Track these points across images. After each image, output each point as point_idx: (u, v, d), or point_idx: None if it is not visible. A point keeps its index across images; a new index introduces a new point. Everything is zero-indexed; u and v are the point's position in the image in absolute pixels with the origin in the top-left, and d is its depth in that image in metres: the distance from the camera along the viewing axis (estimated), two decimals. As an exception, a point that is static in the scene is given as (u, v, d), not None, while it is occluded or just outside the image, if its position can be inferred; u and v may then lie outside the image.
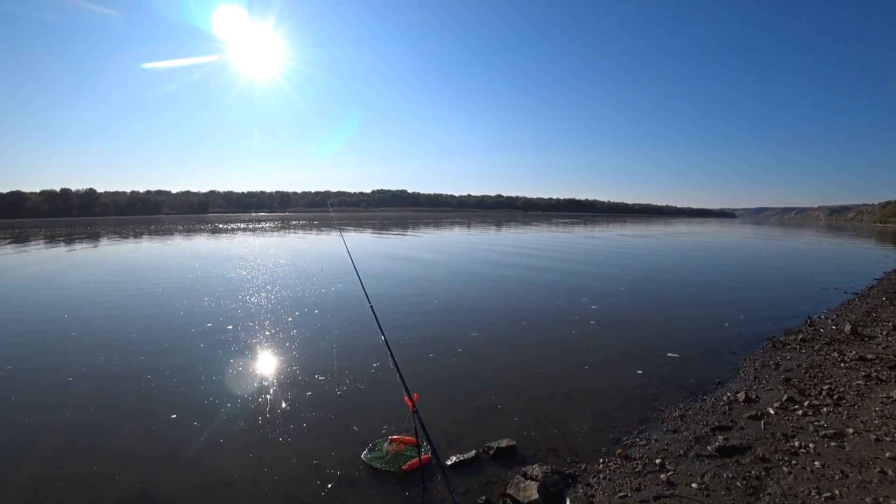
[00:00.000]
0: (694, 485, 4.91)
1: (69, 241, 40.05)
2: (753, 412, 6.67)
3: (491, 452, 5.48)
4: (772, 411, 6.72)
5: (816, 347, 9.74)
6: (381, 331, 5.61)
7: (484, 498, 4.73)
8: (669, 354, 9.40)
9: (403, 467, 5.21)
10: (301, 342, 10.04)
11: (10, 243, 36.73)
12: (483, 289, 16.77)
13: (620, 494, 4.78)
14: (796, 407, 6.78)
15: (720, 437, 5.96)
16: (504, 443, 5.55)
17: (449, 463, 5.34)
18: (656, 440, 5.97)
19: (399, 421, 6.09)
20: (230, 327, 11.26)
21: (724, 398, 7.30)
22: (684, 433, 6.15)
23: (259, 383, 7.76)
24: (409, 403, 4.51)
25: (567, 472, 5.14)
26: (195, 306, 13.55)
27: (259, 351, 9.42)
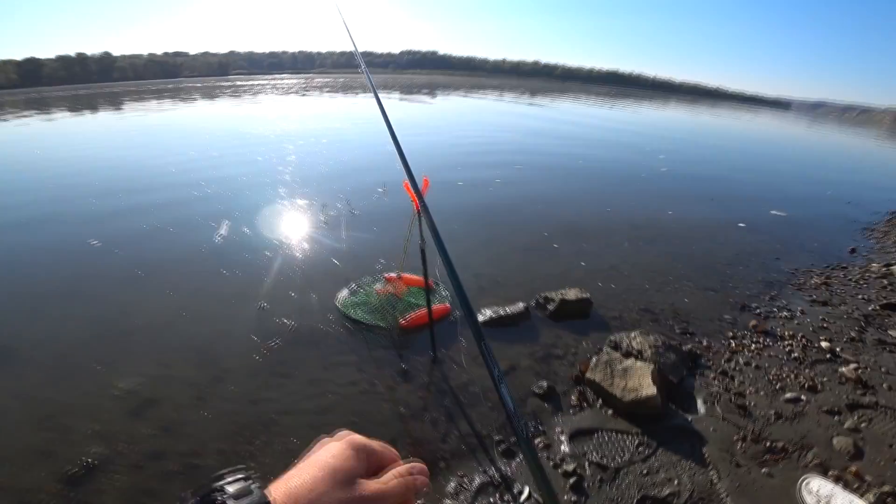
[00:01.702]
0: (904, 388, 2.74)
1: (93, 107, 37.11)
2: (930, 291, 4.36)
3: (550, 307, 3.31)
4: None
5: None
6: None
7: (544, 384, 2.61)
8: (773, 212, 6.96)
9: (402, 321, 3.09)
10: (299, 166, 7.77)
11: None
12: (524, 140, 13.95)
13: (788, 396, 2.63)
14: None
15: (901, 319, 3.72)
16: (572, 294, 3.36)
17: (480, 319, 3.21)
18: (803, 313, 3.76)
19: (411, 259, 3.78)
20: (215, 153, 8.99)
21: (874, 270, 4.97)
22: (842, 308, 3.92)
23: (228, 200, 5.60)
24: (411, 194, 2.20)
25: (685, 348, 2.98)
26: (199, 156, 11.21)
27: (242, 173, 7.18)
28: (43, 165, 8.44)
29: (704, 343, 3.17)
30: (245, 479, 0.46)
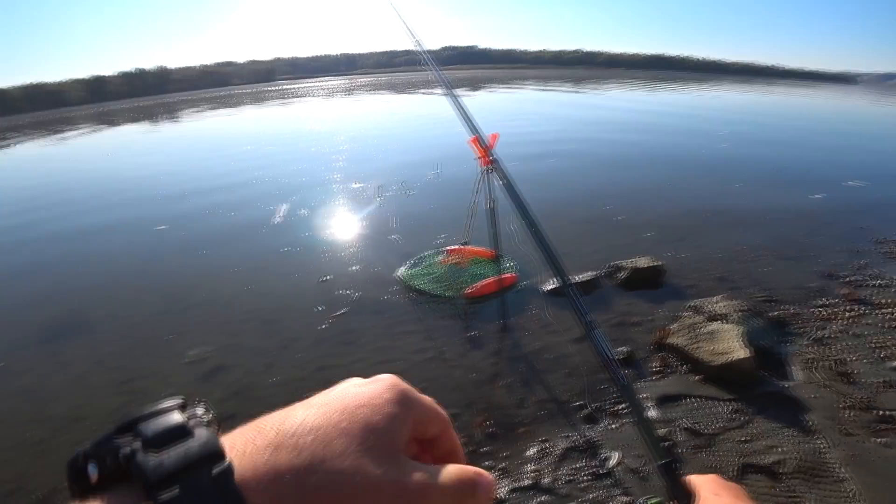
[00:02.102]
0: None
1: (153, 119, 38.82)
2: None
3: (621, 276, 3.17)
4: None
5: None
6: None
7: (624, 349, 2.48)
8: (850, 182, 6.50)
9: (468, 290, 3.02)
10: (352, 155, 7.83)
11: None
12: (576, 129, 13.64)
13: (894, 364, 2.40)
14: None
15: None
16: (643, 262, 3.21)
17: (548, 288, 3.10)
18: (898, 281, 3.45)
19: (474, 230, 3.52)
20: (270, 147, 9.19)
21: (973, 238, 4.54)
22: (941, 275, 3.58)
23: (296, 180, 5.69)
24: (479, 149, 2.14)
25: (770, 314, 2.78)
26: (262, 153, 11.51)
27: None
28: (111, 168, 8.87)
29: (792, 310, 2.95)
30: (181, 407, 0.27)
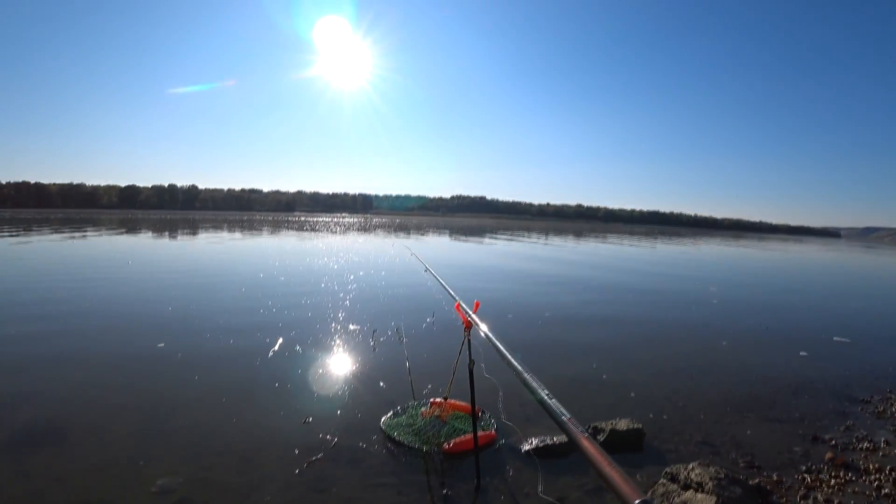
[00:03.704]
0: None
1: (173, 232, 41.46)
2: None
3: (600, 438, 3.15)
4: None
5: None
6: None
7: (596, 516, 2.42)
8: (836, 339, 6.62)
9: (446, 446, 3.01)
10: (360, 297, 8.13)
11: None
12: (574, 287, 14.23)
13: (881, 539, 2.33)
14: None
15: None
16: (623, 424, 3.21)
17: (526, 448, 3.09)
18: (888, 444, 3.45)
19: (458, 385, 3.57)
20: (282, 278, 9.60)
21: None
22: (933, 439, 3.55)
23: (287, 330, 5.86)
24: (462, 315, 2.33)
25: (752, 482, 2.73)
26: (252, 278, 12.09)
27: (299, 300, 7.57)
28: (125, 275, 9.16)
29: (774, 477, 2.90)
30: None
